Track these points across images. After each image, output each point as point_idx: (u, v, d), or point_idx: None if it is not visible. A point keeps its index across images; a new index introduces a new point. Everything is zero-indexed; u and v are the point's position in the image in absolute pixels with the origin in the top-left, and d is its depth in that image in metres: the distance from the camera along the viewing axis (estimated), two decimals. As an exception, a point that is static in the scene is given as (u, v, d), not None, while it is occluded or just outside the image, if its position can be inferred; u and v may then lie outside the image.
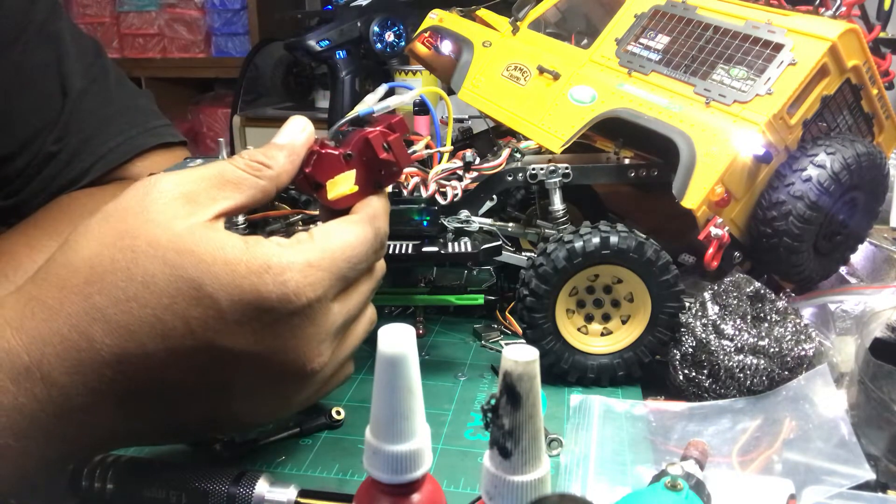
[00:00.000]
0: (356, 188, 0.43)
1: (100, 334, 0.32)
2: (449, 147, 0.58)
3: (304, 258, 0.36)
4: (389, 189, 0.46)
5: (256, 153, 0.39)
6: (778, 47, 0.56)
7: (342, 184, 0.42)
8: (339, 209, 0.43)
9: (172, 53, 2.24)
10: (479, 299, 0.60)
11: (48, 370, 0.32)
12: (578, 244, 0.52)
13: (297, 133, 0.41)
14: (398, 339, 0.29)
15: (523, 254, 0.61)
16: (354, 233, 0.39)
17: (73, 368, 0.32)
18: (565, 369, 0.55)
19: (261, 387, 0.37)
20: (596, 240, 0.52)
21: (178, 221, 0.34)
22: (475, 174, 0.59)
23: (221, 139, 0.57)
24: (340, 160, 0.42)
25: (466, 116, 0.79)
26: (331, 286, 0.37)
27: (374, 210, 0.42)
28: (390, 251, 0.53)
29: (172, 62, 2.24)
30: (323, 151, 0.42)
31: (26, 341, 0.32)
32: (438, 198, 0.56)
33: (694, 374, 0.52)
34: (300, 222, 0.52)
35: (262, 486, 0.39)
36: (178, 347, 0.33)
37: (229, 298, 0.33)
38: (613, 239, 0.52)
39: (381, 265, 0.44)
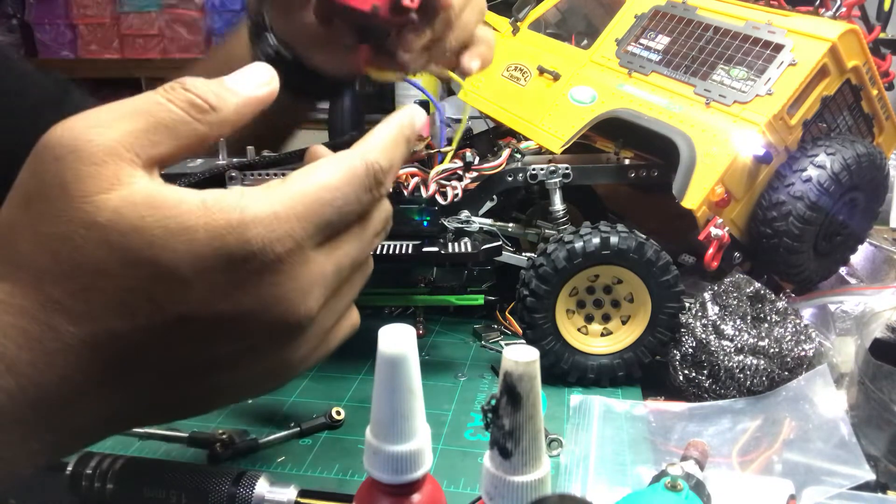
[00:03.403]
0: None
1: (63, 323, 0.30)
2: (449, 148, 0.58)
3: (270, 209, 0.32)
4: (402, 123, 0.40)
5: (203, 88, 0.33)
6: (778, 48, 0.56)
7: None
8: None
9: (172, 54, 2.25)
10: (479, 299, 0.60)
11: (12, 362, 0.30)
12: (578, 244, 0.52)
13: (260, 86, 0.36)
14: (398, 339, 0.29)
15: (523, 254, 0.61)
16: (337, 172, 0.35)
17: (40, 359, 0.30)
18: (565, 369, 0.55)
19: (250, 350, 0.35)
20: (596, 240, 0.52)
21: (108, 193, 0.30)
22: (475, 174, 0.59)
23: (221, 138, 0.57)
24: None
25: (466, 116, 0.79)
26: (307, 236, 0.33)
27: (372, 142, 0.37)
28: (390, 251, 0.53)
29: (172, 62, 2.24)
30: None
31: None
32: (438, 198, 0.56)
33: (694, 374, 0.52)
34: None
35: (262, 486, 0.39)
36: (149, 325, 0.31)
37: (191, 267, 0.31)
38: (613, 239, 0.52)
39: (383, 206, 0.39)
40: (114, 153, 0.31)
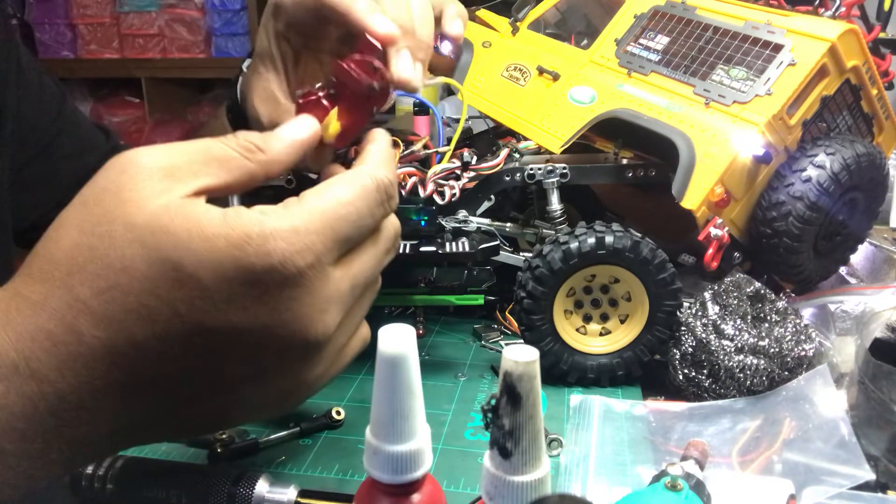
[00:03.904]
0: (338, 126, 0.42)
1: (87, 327, 0.31)
2: (446, 147, 0.57)
3: (289, 224, 0.33)
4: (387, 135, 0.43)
5: (252, 135, 0.37)
6: (777, 48, 0.56)
7: (332, 123, 0.42)
8: (344, 149, 0.43)
9: (172, 54, 2.25)
10: (479, 299, 0.60)
11: (37, 367, 0.31)
12: (574, 245, 0.52)
13: (304, 132, 0.39)
14: (398, 339, 0.29)
15: (521, 254, 0.61)
16: (348, 188, 0.36)
17: (63, 364, 0.31)
18: (565, 370, 0.55)
19: (265, 367, 0.35)
20: (591, 240, 0.52)
21: (153, 200, 0.32)
22: (473, 174, 0.59)
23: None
24: (321, 103, 0.42)
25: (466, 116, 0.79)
26: (326, 250, 0.34)
27: (373, 159, 0.39)
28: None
29: (172, 62, 2.25)
30: (302, 102, 0.42)
31: (13, 338, 0.31)
32: (436, 198, 0.56)
33: (694, 374, 0.52)
34: None
35: (262, 486, 0.39)
36: (168, 334, 0.32)
37: (212, 276, 0.32)
38: (609, 239, 0.52)
39: (392, 223, 0.40)
40: (169, 173, 0.34)
